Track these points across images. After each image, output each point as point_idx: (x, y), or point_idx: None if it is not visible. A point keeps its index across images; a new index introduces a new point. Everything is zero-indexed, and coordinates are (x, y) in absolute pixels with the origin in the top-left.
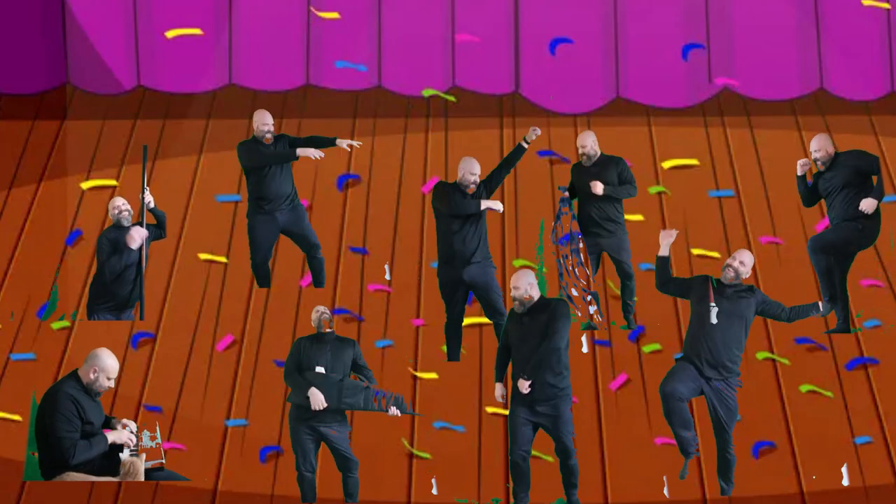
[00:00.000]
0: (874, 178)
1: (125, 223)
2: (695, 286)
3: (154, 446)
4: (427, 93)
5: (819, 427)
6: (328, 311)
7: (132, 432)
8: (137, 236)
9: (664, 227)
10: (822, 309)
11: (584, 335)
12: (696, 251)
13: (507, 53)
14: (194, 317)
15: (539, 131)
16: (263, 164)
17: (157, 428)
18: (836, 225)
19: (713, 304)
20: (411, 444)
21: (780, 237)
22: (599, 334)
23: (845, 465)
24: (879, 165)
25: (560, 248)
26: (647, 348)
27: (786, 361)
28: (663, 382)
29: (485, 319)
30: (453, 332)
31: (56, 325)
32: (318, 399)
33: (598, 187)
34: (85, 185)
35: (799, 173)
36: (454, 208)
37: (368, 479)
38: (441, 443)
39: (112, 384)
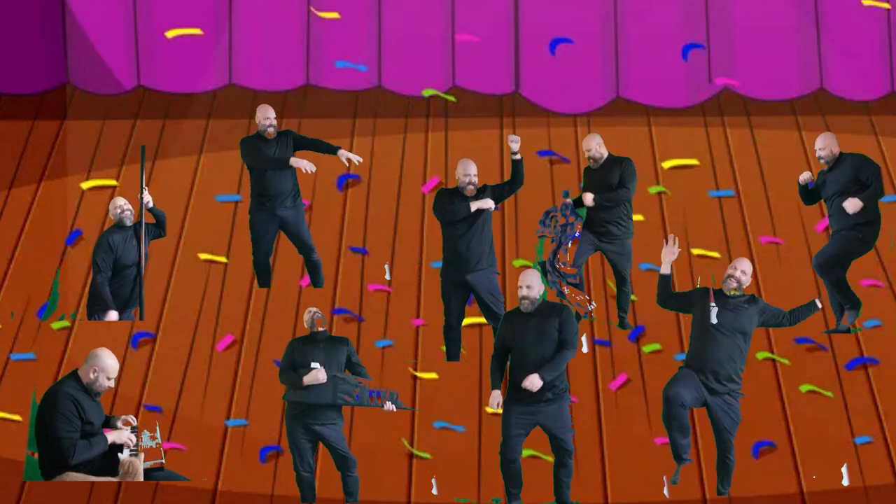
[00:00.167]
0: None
1: (127, 223)
2: (696, 299)
3: (154, 446)
4: (427, 93)
5: (819, 427)
6: (320, 311)
7: (133, 428)
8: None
9: (664, 228)
10: (819, 306)
11: (584, 335)
12: (696, 251)
13: (507, 53)
14: (194, 317)
15: (517, 138)
16: (258, 165)
17: (157, 428)
18: (836, 236)
19: (713, 304)
20: (411, 444)
21: (780, 237)
22: (599, 334)
23: (845, 465)
24: (880, 175)
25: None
26: (647, 348)
27: (786, 361)
28: (667, 385)
29: (484, 319)
30: (452, 335)
31: (56, 325)
32: (317, 376)
33: (587, 198)
34: (85, 185)
35: (800, 182)
36: (446, 215)
37: (368, 479)
38: (441, 443)
39: (112, 384)
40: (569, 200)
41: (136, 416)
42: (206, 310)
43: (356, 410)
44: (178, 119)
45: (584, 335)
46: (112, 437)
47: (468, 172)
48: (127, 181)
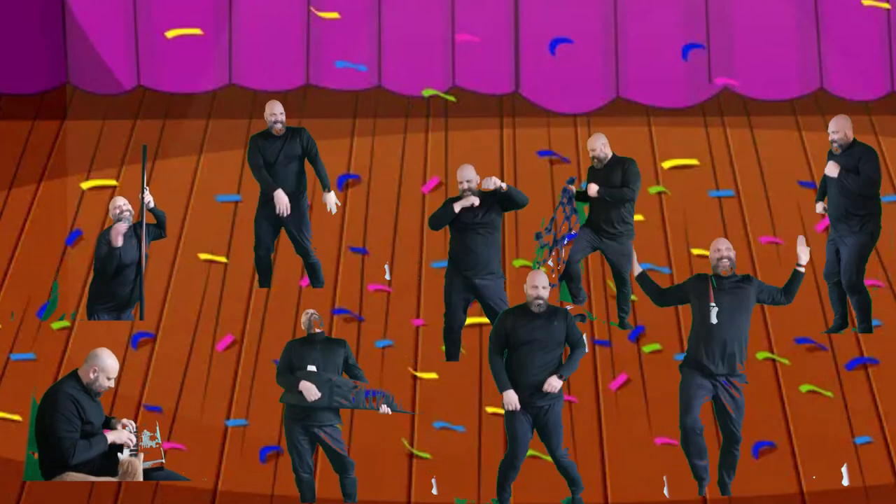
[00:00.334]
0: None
1: (126, 223)
2: (692, 287)
3: (154, 446)
4: (427, 93)
5: (819, 427)
6: (317, 313)
7: (132, 432)
8: (118, 233)
9: (664, 228)
10: (802, 271)
11: (584, 335)
12: (696, 251)
13: (507, 53)
14: (194, 317)
15: (492, 179)
16: (251, 168)
17: (157, 428)
18: (845, 241)
19: (713, 304)
20: (411, 444)
21: (780, 237)
22: (599, 334)
23: (845, 465)
24: (876, 166)
25: (551, 235)
26: (647, 348)
27: (786, 361)
28: (683, 414)
29: (485, 319)
30: (453, 336)
31: (56, 325)
32: (310, 390)
33: (592, 189)
34: (85, 185)
35: (818, 210)
36: (432, 220)
37: (368, 479)
38: (441, 443)
39: (112, 384)
40: (572, 188)
41: (136, 416)
42: (206, 310)
43: (355, 411)
44: (178, 119)
45: (585, 335)
46: (112, 437)
47: (466, 178)
48: (127, 181)
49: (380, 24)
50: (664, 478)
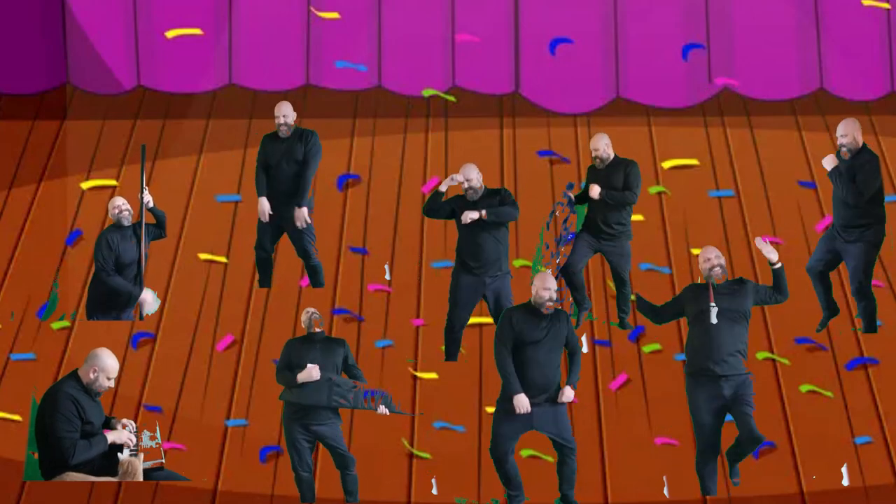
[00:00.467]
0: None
1: (125, 223)
2: (687, 298)
3: (154, 446)
4: (427, 93)
5: (819, 427)
6: (318, 312)
7: (132, 432)
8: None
9: (664, 228)
10: (779, 266)
11: (584, 335)
12: (696, 251)
13: (507, 53)
14: (194, 317)
15: (473, 215)
16: (256, 169)
17: (157, 428)
18: (849, 247)
19: (713, 304)
20: (411, 444)
21: (780, 237)
22: (599, 334)
23: (845, 465)
24: (870, 172)
25: (553, 244)
26: (647, 348)
27: (786, 361)
28: (700, 442)
29: (484, 319)
30: (454, 336)
31: (56, 325)
32: (310, 373)
33: (594, 190)
34: (85, 185)
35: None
36: (426, 209)
37: (368, 479)
38: (441, 443)
39: (112, 384)
40: (571, 194)
41: (136, 416)
42: (206, 310)
43: (355, 411)
44: (178, 119)
45: (585, 335)
46: (112, 437)
47: (467, 178)
48: (127, 181)
49: (380, 24)
50: (664, 478)
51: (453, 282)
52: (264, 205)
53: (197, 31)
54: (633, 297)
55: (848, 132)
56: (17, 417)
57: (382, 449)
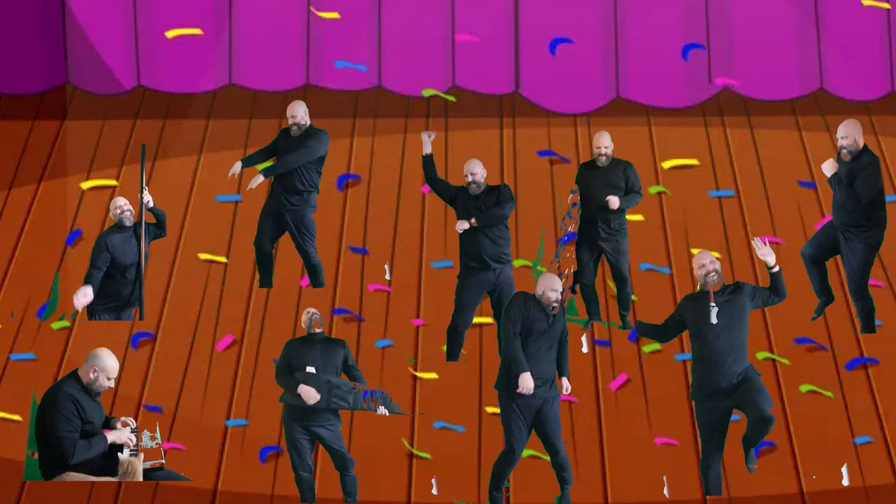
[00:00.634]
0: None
1: (127, 223)
2: (687, 310)
3: (154, 446)
4: (427, 93)
5: (819, 427)
6: (318, 313)
7: (132, 430)
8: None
9: (664, 228)
10: (777, 270)
11: (584, 335)
12: (695, 251)
13: (507, 53)
14: (194, 317)
15: (463, 224)
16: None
17: (157, 428)
18: (850, 249)
19: (713, 304)
20: (411, 444)
21: (780, 237)
22: (599, 334)
23: (845, 465)
24: (870, 175)
25: (560, 249)
26: (647, 348)
27: (786, 361)
28: (706, 454)
29: (484, 319)
30: (456, 336)
31: (56, 325)
32: (309, 394)
33: (614, 202)
34: (85, 185)
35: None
36: (426, 178)
37: (368, 479)
38: (441, 443)
39: (112, 384)
40: (578, 201)
41: (136, 416)
42: (206, 310)
43: (354, 412)
44: (178, 119)
45: (585, 335)
46: (112, 436)
47: (471, 171)
48: (127, 181)
49: (380, 24)
50: (664, 478)
51: (459, 284)
52: (236, 166)
53: (197, 31)
54: (634, 298)
55: (848, 134)
56: (17, 417)
57: (382, 449)
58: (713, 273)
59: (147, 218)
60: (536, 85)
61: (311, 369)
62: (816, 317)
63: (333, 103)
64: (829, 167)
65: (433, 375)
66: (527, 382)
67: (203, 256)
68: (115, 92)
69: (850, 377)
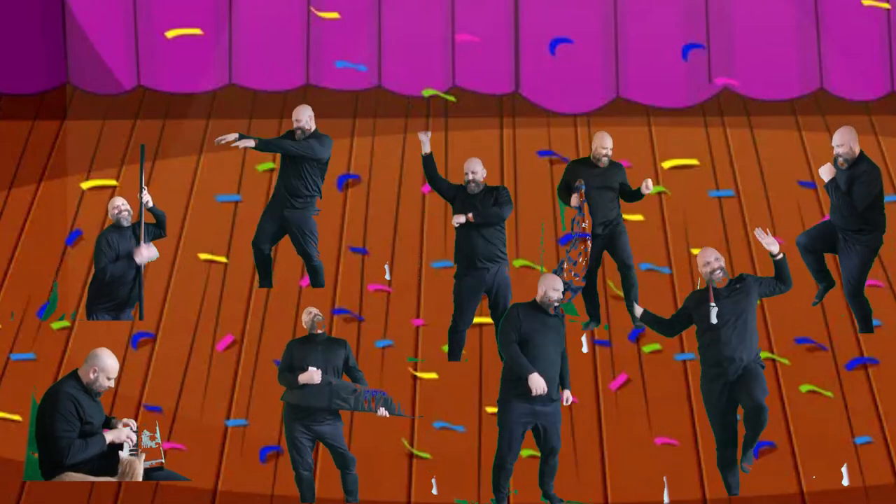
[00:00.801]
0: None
1: (125, 223)
2: (694, 305)
3: (154, 446)
4: (427, 93)
5: (819, 427)
6: (320, 313)
7: (133, 430)
8: (146, 254)
9: (664, 228)
10: (781, 257)
11: (584, 335)
12: (695, 251)
13: (507, 53)
14: (194, 317)
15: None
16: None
17: (157, 428)
18: (849, 252)
19: (713, 304)
20: (411, 444)
21: (780, 237)
22: (599, 334)
23: (845, 465)
24: (870, 179)
25: (570, 246)
26: (647, 348)
27: (786, 361)
28: (721, 449)
29: (484, 319)
30: (458, 337)
31: (56, 325)
32: (311, 376)
33: (649, 185)
34: (85, 185)
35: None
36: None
37: (368, 479)
38: (441, 443)
39: (112, 384)
40: (585, 198)
41: (136, 416)
42: (206, 310)
43: (357, 413)
44: (178, 119)
45: (585, 335)
46: (111, 436)
47: (472, 170)
48: (127, 181)
49: (380, 24)
50: (664, 478)
51: (456, 285)
52: (229, 135)
53: (197, 31)
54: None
55: (844, 142)
56: (17, 417)
57: (382, 449)
58: (718, 270)
59: (147, 218)
60: (536, 85)
61: (312, 369)
62: (817, 302)
63: (333, 103)
64: (826, 172)
65: (433, 375)
66: (538, 382)
67: (203, 256)
68: (115, 92)
69: (850, 377)
